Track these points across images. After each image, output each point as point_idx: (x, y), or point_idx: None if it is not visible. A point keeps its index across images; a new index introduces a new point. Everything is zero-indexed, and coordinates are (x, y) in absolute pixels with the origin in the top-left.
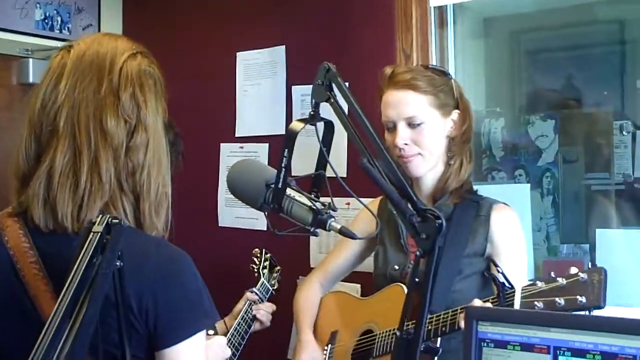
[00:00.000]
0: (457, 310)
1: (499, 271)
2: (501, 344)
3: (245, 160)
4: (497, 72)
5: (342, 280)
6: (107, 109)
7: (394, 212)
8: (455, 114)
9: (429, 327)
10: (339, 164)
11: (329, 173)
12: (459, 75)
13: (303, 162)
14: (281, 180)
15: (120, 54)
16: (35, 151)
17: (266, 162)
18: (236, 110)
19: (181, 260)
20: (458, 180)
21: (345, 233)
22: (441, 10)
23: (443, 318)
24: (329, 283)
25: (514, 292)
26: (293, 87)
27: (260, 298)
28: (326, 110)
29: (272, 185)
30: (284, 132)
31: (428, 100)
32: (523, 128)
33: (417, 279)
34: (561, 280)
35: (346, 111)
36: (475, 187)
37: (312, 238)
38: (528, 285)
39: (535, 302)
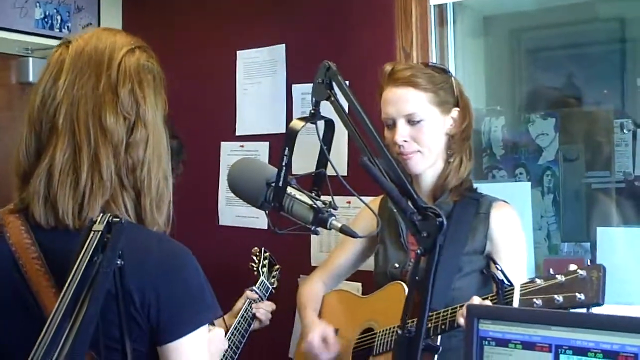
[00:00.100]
0: (456, 307)
1: (498, 269)
2: (502, 343)
3: (246, 159)
4: (497, 71)
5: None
6: (106, 106)
7: (395, 210)
8: (455, 112)
9: (429, 325)
10: (339, 162)
11: (329, 171)
12: (459, 73)
13: (304, 161)
14: (282, 178)
15: (119, 49)
16: (36, 148)
17: (267, 161)
18: (236, 109)
19: (183, 255)
20: (458, 178)
21: (346, 231)
22: (441, 8)
23: (443, 316)
24: (332, 282)
25: (513, 289)
26: (293, 85)
27: (259, 296)
28: (326, 109)
29: (273, 184)
30: (284, 131)
31: (428, 97)
32: (523, 126)
33: (417, 277)
34: (560, 278)
35: (346, 109)
36: (475, 186)
37: (313, 237)
38: (527, 283)
39: (534, 300)
